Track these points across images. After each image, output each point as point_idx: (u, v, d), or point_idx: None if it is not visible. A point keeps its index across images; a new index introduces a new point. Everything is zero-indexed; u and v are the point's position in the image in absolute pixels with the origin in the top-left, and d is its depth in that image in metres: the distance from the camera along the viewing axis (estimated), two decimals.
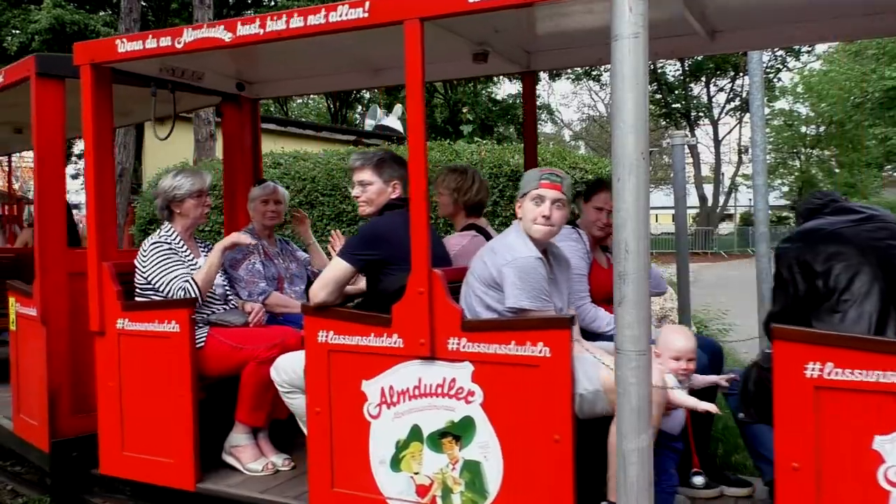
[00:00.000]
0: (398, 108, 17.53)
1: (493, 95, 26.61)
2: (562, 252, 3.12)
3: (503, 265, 2.73)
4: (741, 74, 34.16)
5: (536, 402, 2.56)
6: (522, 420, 2.60)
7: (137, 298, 3.66)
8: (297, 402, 3.29)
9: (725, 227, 42.74)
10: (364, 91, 24.83)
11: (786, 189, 48.54)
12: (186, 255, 3.77)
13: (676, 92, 37.72)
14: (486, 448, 2.68)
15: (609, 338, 3.13)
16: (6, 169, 10.88)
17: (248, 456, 3.62)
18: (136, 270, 3.67)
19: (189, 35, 3.23)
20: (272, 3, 23.39)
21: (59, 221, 4.00)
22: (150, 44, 3.34)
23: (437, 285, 2.72)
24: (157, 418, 3.49)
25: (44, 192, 3.95)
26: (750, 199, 28.19)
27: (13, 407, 4.46)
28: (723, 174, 41.27)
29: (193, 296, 3.52)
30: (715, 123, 39.36)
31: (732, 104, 38.24)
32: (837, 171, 36.61)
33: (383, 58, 3.93)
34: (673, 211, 5.90)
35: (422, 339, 2.74)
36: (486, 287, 2.78)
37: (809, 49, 33.17)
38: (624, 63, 1.82)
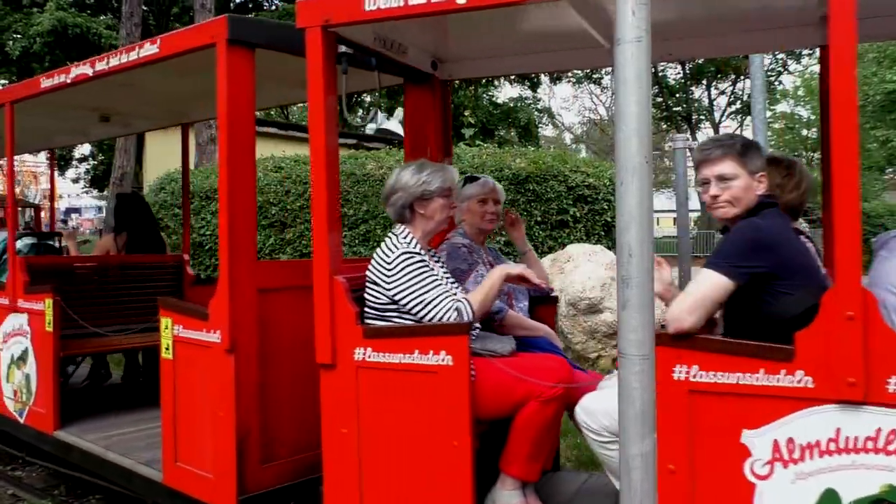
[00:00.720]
0: (399, 111, 17.55)
1: (494, 99, 26.63)
2: None
3: None
4: (742, 78, 34.18)
5: None
6: None
7: (370, 322, 2.91)
8: (615, 454, 2.54)
9: None
10: (365, 95, 24.88)
11: None
12: (431, 269, 2.96)
13: (677, 95, 37.76)
14: None
15: None
16: (5, 172, 10.86)
17: None
18: (374, 287, 2.90)
19: None
20: (273, 8, 23.46)
21: (250, 223, 3.28)
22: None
23: (871, 308, 2.06)
24: (414, 474, 2.69)
25: (235, 184, 3.20)
26: None
27: (165, 454, 3.60)
28: None
29: (468, 319, 2.75)
30: (716, 127, 39.39)
31: (733, 107, 38.28)
32: None
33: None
34: (674, 214, 5.90)
35: (851, 378, 2.05)
36: None
37: (810, 52, 33.19)
38: (626, 67, 1.82)
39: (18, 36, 20.40)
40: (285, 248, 10.20)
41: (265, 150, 12.43)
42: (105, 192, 22.02)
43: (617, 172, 1.86)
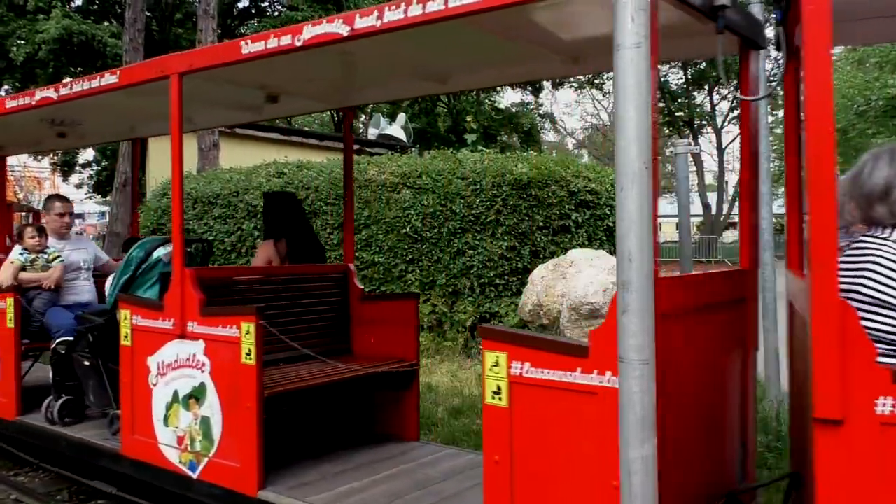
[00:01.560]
0: (401, 116, 17.59)
1: (495, 104, 26.68)
2: None
3: None
4: None
5: None
6: None
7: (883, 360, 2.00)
8: None
9: (730, 236, 42.69)
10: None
11: None
12: None
13: (679, 100, 37.79)
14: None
15: None
16: (10, 179, 10.91)
17: None
18: (881, 311, 2.11)
19: None
20: (276, 14, 23.52)
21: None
22: None
23: None
24: None
25: None
26: None
27: None
28: (726, 182, 41.29)
29: None
30: (718, 132, 39.42)
31: (735, 112, 38.29)
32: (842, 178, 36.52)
33: None
34: (676, 219, 5.90)
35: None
36: None
37: None
38: (626, 73, 1.83)
39: (22, 42, 20.47)
40: None
41: (267, 155, 12.46)
42: (108, 198, 22.04)
43: (617, 178, 1.87)
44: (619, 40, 1.85)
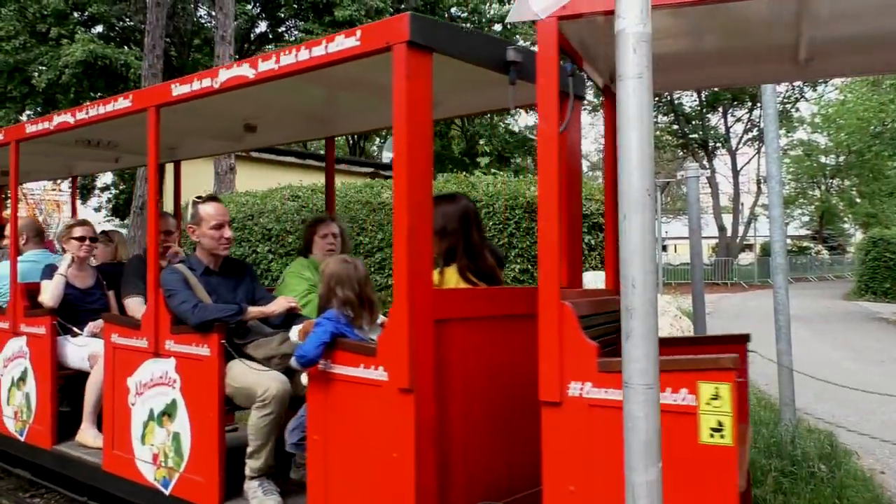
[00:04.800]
0: None
1: (509, 127, 26.80)
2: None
3: None
4: (758, 105, 34.20)
5: None
6: None
7: None
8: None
9: (745, 258, 42.49)
10: None
11: (806, 219, 48.19)
12: None
13: (693, 122, 37.79)
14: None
15: None
16: (30, 203, 11.09)
17: None
18: None
19: None
20: (293, 39, 23.84)
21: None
22: None
23: None
24: None
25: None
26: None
27: None
28: (742, 204, 41.16)
29: None
30: (733, 153, 39.35)
31: (750, 134, 38.26)
32: (858, 200, 36.38)
33: None
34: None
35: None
36: None
37: (825, 80, 33.16)
38: (628, 103, 1.87)
39: (44, 68, 20.87)
40: None
41: (283, 179, 12.60)
42: (126, 221, 22.30)
43: (620, 206, 1.90)
44: (621, 71, 1.89)
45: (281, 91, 3.84)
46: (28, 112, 22.54)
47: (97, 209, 31.94)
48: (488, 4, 25.78)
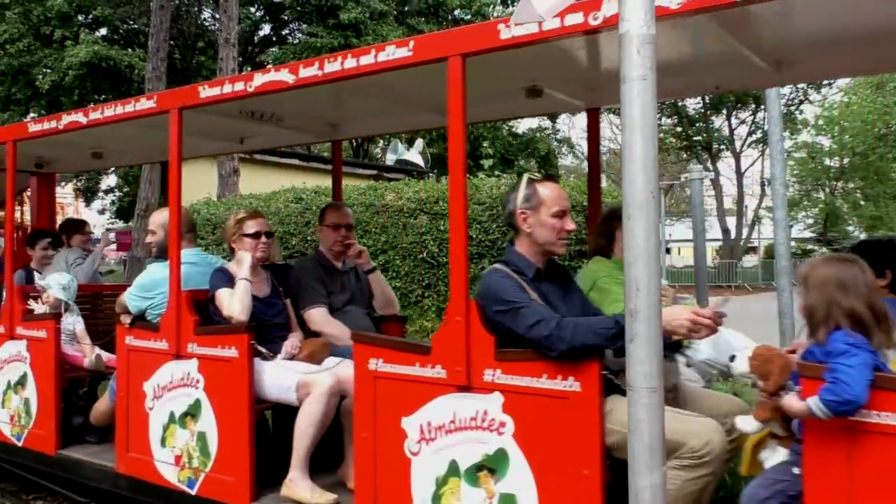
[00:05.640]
0: (419, 142, 17.71)
1: (513, 129, 26.79)
2: None
3: None
4: (762, 107, 34.15)
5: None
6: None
7: None
8: None
9: (749, 260, 42.35)
10: None
11: (810, 221, 48.06)
12: None
13: (698, 124, 37.74)
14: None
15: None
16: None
17: None
18: None
19: None
20: (296, 42, 23.86)
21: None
22: None
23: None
24: None
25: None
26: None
27: None
28: (746, 206, 41.08)
29: None
30: (737, 156, 39.28)
31: (754, 136, 38.18)
32: (863, 203, 36.31)
33: None
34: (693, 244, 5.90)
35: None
36: None
37: (830, 82, 33.12)
38: (633, 105, 1.87)
39: (48, 70, 20.92)
40: None
41: (286, 181, 12.59)
42: (130, 224, 22.34)
43: (624, 208, 1.90)
44: (625, 73, 1.89)
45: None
46: (32, 115, 22.60)
47: (101, 212, 32.00)
48: (492, 7, 25.81)
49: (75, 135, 4.71)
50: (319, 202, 10.66)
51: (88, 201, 31.00)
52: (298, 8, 22.74)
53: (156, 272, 4.16)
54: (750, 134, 38.43)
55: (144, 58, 18.80)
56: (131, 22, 22.96)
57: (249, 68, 22.14)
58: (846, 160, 36.62)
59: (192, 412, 3.84)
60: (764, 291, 29.63)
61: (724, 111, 37.70)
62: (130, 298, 4.19)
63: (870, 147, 27.18)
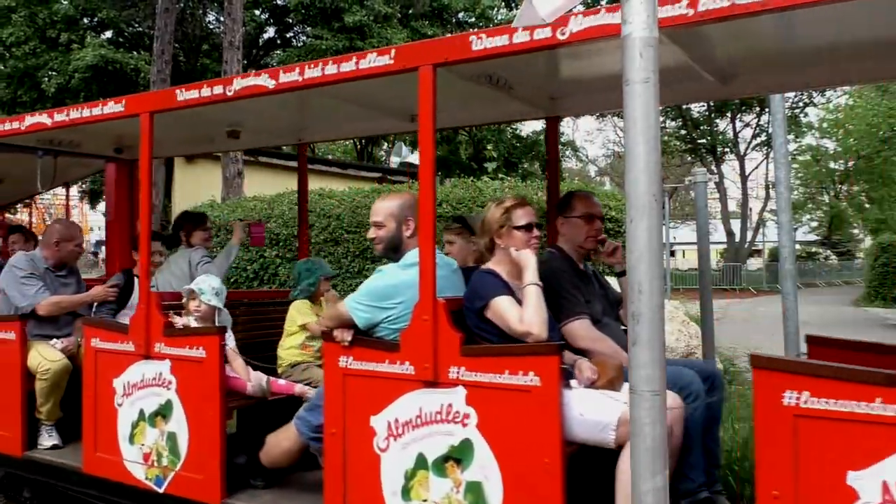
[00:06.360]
0: None
1: (516, 132, 26.77)
2: None
3: None
4: (766, 110, 34.08)
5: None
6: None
7: None
8: None
9: (754, 263, 42.29)
10: None
11: (815, 224, 47.91)
12: None
13: (702, 127, 37.70)
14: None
15: None
16: (39, 207, 11.08)
17: None
18: None
19: None
20: (300, 45, 23.90)
21: None
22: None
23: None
24: None
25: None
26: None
27: None
28: (750, 209, 41.01)
29: None
30: (741, 159, 39.24)
31: (758, 139, 38.12)
32: (868, 206, 36.21)
33: None
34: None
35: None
36: None
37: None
38: (635, 108, 1.86)
39: (54, 73, 21.01)
40: None
41: (290, 183, 12.59)
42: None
43: (627, 210, 1.89)
44: (627, 76, 1.89)
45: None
46: None
47: (105, 213, 32.11)
48: (496, 10, 25.83)
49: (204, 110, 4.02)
50: (323, 204, 10.67)
51: (93, 203, 31.09)
52: (303, 11, 22.79)
53: (394, 275, 3.30)
54: (754, 137, 38.38)
55: (150, 61, 18.86)
56: (136, 25, 23.03)
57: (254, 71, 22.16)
58: (851, 163, 36.51)
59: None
60: (768, 294, 29.58)
61: (729, 114, 37.66)
62: (357, 309, 3.27)
63: (874, 150, 27.11)
